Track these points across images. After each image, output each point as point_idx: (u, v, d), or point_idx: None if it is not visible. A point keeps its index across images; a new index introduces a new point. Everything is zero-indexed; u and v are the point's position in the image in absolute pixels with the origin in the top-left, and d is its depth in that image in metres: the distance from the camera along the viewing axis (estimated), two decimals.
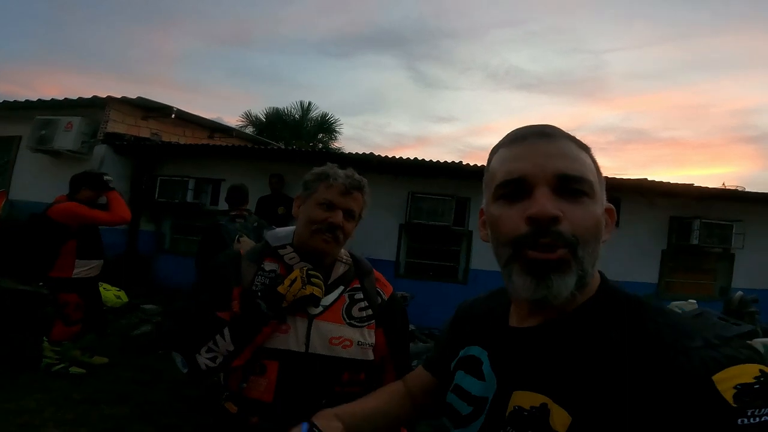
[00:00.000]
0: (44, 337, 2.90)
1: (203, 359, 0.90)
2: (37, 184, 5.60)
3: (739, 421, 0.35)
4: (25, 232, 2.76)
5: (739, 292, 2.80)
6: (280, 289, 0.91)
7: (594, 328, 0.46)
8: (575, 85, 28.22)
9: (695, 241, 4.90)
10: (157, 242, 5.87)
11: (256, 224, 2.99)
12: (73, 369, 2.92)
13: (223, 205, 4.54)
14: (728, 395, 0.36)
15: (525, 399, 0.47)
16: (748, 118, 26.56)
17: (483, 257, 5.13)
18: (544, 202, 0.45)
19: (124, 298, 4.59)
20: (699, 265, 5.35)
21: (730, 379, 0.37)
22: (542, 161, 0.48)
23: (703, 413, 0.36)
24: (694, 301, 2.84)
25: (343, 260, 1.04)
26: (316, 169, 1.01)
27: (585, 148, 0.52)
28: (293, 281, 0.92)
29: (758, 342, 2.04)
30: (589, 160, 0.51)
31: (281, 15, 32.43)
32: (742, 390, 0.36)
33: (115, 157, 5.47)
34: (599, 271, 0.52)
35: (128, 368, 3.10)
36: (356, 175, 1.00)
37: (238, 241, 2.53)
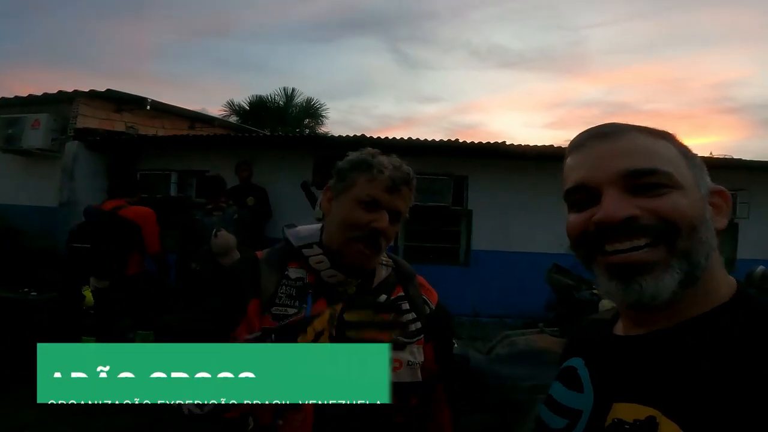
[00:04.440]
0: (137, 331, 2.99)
1: None
2: (12, 185, 5.39)
3: None
4: (98, 233, 2.77)
5: (761, 267, 2.72)
6: (302, 341, 0.65)
7: (718, 338, 0.42)
8: (557, 61, 28.59)
9: None
10: None
11: (236, 216, 2.84)
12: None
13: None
14: None
15: (627, 411, 0.45)
16: (728, 90, 27.39)
17: (484, 237, 5.04)
18: (610, 205, 0.44)
19: None
20: None
21: None
22: (603, 163, 0.46)
23: None
24: None
25: (384, 262, 0.86)
26: (354, 156, 0.82)
27: (663, 136, 0.49)
28: (320, 334, 0.63)
29: None
30: (667, 148, 0.47)
31: (259, 2, 31.19)
32: None
33: (87, 153, 5.17)
34: (736, 279, 0.48)
35: None
36: (404, 166, 0.80)
37: (216, 235, 2.41)
